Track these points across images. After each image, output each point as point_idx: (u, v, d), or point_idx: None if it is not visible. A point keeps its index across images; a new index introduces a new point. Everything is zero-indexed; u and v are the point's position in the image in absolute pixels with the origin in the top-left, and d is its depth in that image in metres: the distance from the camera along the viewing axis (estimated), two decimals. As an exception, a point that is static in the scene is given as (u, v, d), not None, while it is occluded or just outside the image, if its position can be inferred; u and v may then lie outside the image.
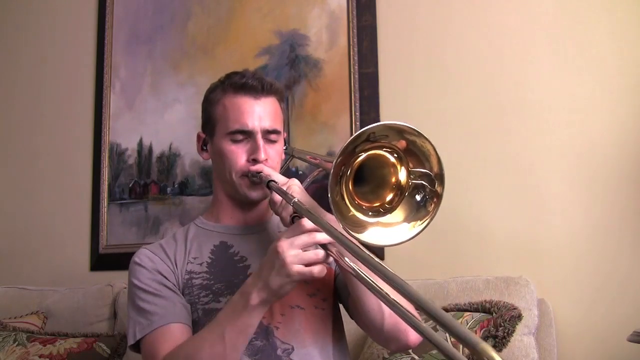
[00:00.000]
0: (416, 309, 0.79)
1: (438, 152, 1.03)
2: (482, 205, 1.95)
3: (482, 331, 1.57)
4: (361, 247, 0.96)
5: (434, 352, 1.55)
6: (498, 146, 1.97)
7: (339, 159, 1.01)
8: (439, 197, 1.05)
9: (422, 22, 2.13)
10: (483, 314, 1.63)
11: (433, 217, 1.06)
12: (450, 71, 2.06)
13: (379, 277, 0.88)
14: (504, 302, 1.64)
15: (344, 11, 2.23)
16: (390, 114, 2.11)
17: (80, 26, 2.71)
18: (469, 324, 1.60)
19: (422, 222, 1.06)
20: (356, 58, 2.18)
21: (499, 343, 1.54)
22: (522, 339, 1.59)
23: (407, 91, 2.11)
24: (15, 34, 2.86)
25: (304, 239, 1.08)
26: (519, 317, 1.59)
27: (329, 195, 1.00)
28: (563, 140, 1.90)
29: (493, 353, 0.64)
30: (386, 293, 0.91)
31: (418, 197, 1.08)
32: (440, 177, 1.05)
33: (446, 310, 1.70)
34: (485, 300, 1.67)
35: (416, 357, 1.55)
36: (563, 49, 1.93)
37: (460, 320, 1.61)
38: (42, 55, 2.78)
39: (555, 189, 1.89)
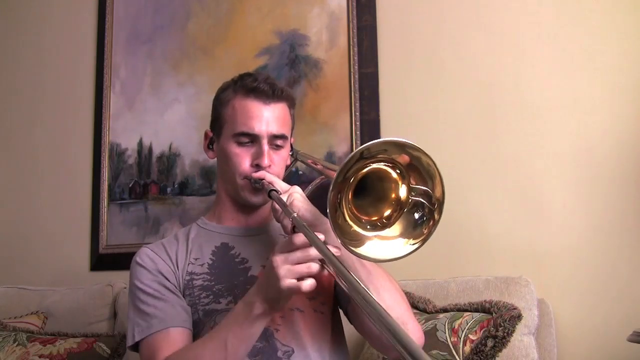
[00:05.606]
0: (391, 337, 0.77)
1: (442, 178, 1.01)
2: (482, 205, 1.95)
3: (482, 331, 1.57)
4: (350, 273, 0.95)
5: (434, 352, 1.55)
6: (498, 146, 1.97)
7: (339, 177, 0.99)
8: (435, 222, 1.04)
9: (422, 22, 2.13)
10: (483, 314, 1.63)
11: (425, 241, 1.04)
12: (450, 71, 2.06)
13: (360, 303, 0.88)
14: (504, 302, 1.64)
15: (344, 11, 2.23)
16: (390, 114, 2.11)
17: (80, 26, 2.71)
18: (469, 324, 1.60)
19: (415, 242, 1.05)
20: (356, 58, 2.18)
21: (499, 343, 1.54)
22: (522, 339, 1.59)
23: (407, 91, 2.11)
24: (15, 34, 2.86)
25: (298, 255, 1.07)
26: (519, 317, 1.59)
27: (328, 210, 0.98)
28: (562, 140, 1.90)
29: None
30: (380, 314, 0.86)
31: (416, 215, 1.07)
32: (440, 203, 1.03)
33: (446, 310, 1.71)
34: (485, 300, 1.67)
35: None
36: (562, 49, 1.93)
37: (460, 320, 1.61)
38: (42, 55, 2.78)
39: (556, 189, 1.89)
